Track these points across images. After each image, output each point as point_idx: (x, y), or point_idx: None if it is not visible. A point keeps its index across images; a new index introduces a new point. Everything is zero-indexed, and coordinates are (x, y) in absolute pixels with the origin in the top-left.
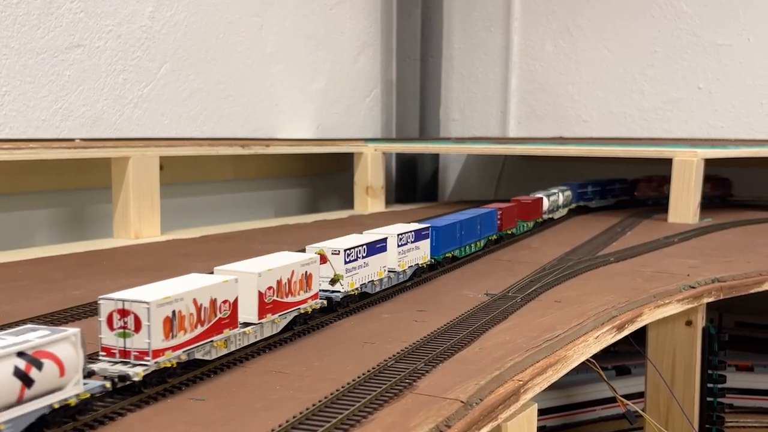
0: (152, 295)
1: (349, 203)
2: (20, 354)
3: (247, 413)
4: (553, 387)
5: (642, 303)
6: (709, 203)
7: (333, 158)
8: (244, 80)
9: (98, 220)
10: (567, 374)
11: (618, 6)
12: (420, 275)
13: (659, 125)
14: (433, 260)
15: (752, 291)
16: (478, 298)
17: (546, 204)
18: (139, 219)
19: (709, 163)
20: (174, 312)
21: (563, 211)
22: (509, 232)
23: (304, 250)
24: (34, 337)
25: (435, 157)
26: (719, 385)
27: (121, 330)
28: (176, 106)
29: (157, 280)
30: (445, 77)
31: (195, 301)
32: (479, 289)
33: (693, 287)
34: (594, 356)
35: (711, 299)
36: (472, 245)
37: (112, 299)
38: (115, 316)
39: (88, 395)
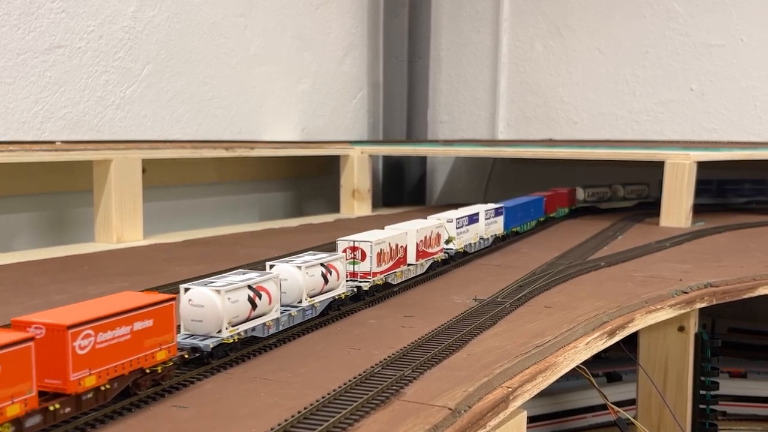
0: (371, 237)
1: (335, 206)
2: (321, 265)
3: (231, 421)
4: (542, 394)
5: (633, 308)
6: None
7: (319, 161)
8: (228, 81)
9: (80, 223)
10: (557, 381)
11: (609, 6)
12: (497, 244)
13: (651, 127)
14: (504, 233)
15: (745, 296)
16: (467, 304)
17: (582, 194)
18: (122, 223)
19: (702, 165)
20: (381, 249)
21: (627, 203)
22: (552, 215)
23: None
24: (325, 255)
25: (422, 159)
26: (712, 392)
27: (352, 260)
28: (159, 108)
29: (141, 285)
30: (433, 78)
31: (389, 244)
32: (468, 294)
33: (685, 292)
34: (584, 362)
35: (704, 304)
36: (527, 224)
37: (346, 240)
38: (348, 252)
39: (349, 293)
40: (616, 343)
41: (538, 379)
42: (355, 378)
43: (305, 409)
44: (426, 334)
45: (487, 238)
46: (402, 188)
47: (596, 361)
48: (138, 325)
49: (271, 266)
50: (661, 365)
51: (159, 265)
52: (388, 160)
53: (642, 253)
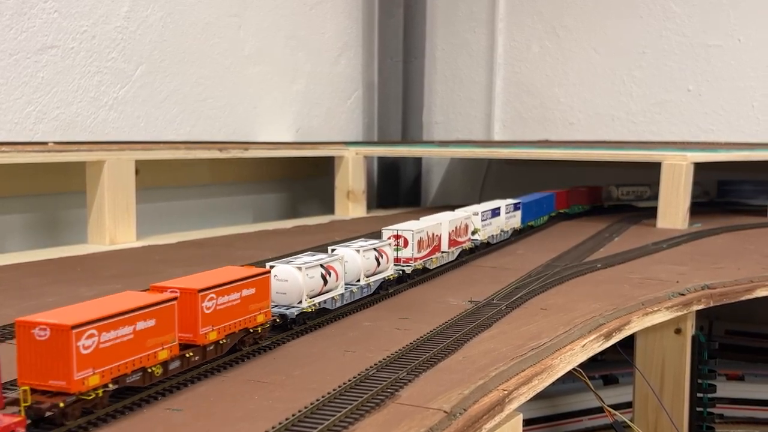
0: (412, 227)
1: (329, 208)
2: (374, 249)
3: (225, 423)
4: (538, 397)
5: (630, 310)
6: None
7: (313, 162)
8: (222, 82)
9: (72, 225)
10: (553, 383)
11: (606, 6)
12: (514, 236)
13: (647, 128)
14: (522, 226)
15: (743, 298)
16: (462, 306)
17: (615, 192)
18: (115, 224)
19: (699, 166)
20: (421, 238)
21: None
22: (563, 211)
23: (283, 257)
24: (377, 241)
25: (418, 160)
26: (709, 395)
27: (396, 246)
28: (152, 109)
29: (135, 287)
30: (428, 79)
31: (427, 233)
32: (463, 296)
33: (682, 294)
34: (581, 365)
35: (701, 307)
36: (540, 219)
37: (391, 229)
38: (392, 239)
39: (396, 275)
40: (613, 346)
41: (534, 381)
42: (350, 380)
43: (300, 411)
44: (421, 337)
45: (507, 231)
46: (397, 189)
47: (593, 363)
48: (245, 292)
49: (333, 250)
50: (657, 368)
51: (152, 266)
52: (383, 161)
53: (639, 255)
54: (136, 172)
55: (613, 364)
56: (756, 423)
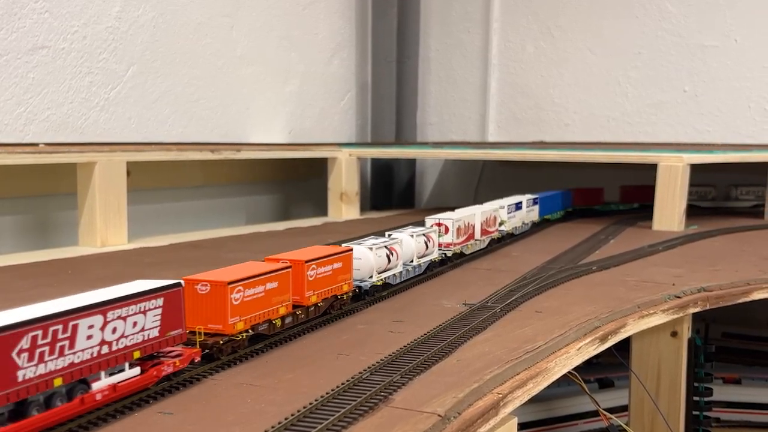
0: (452, 216)
1: (322, 210)
2: (423, 235)
3: (217, 427)
4: (533, 400)
5: (626, 313)
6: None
7: (306, 163)
8: (215, 83)
9: (63, 227)
10: (548, 387)
11: (601, 6)
12: (533, 228)
13: (643, 129)
14: (539, 219)
15: (739, 301)
16: (456, 309)
17: None
18: (106, 226)
19: (696, 168)
20: (459, 226)
21: (741, 204)
22: (594, 207)
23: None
24: (425, 228)
25: (411, 162)
26: (705, 398)
27: (438, 233)
28: (144, 110)
29: None
30: (422, 80)
31: (464, 222)
32: (457, 298)
33: (678, 297)
34: (576, 368)
35: (697, 309)
36: (556, 213)
37: (434, 218)
38: (435, 227)
39: (440, 258)
40: (608, 349)
41: (529, 385)
42: (343, 384)
43: (292, 415)
44: (415, 340)
45: (528, 223)
46: (391, 191)
47: (588, 366)
48: (335, 265)
49: (389, 235)
50: (653, 371)
51: (144, 269)
52: (376, 162)
53: (634, 257)
54: (128, 173)
55: (609, 367)
56: (752, 427)
